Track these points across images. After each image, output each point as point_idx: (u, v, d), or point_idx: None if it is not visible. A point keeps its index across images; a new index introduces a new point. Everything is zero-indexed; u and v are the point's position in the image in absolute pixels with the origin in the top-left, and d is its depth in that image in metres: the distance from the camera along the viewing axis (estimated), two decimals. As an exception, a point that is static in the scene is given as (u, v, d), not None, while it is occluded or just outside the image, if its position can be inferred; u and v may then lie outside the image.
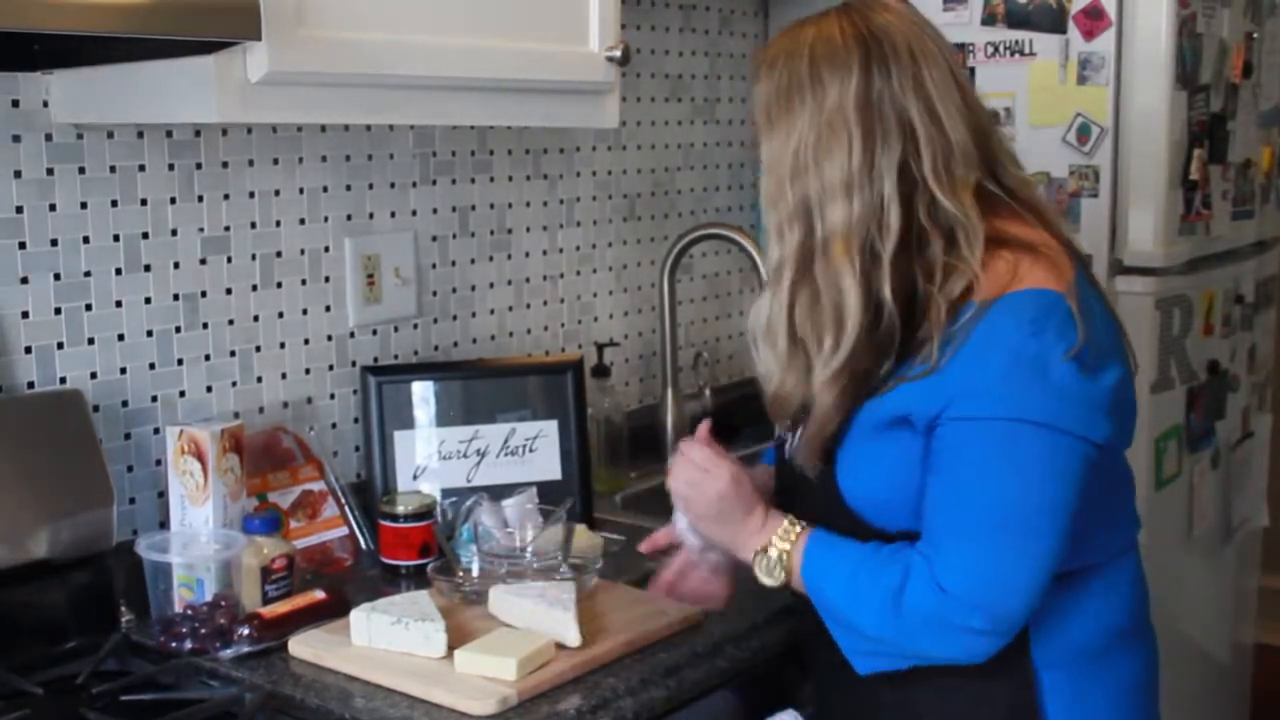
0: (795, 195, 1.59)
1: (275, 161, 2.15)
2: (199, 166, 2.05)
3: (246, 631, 1.77)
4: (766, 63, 1.64)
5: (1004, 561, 1.52)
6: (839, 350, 1.58)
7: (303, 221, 2.20)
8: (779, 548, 1.64)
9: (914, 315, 1.58)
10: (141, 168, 1.98)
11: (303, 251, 2.20)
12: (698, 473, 1.70)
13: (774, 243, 1.63)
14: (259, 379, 2.16)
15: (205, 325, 2.08)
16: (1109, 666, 1.69)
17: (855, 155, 1.56)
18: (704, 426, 1.75)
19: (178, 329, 2.05)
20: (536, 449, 2.27)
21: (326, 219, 2.23)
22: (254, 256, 2.13)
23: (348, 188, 2.26)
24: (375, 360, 2.32)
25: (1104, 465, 1.59)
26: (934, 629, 1.54)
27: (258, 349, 2.16)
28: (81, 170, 1.92)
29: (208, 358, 2.09)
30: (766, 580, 1.64)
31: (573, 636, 1.73)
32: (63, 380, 1.93)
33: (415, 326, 2.39)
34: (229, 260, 2.10)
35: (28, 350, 1.89)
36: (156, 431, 2.03)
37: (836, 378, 1.59)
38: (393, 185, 2.32)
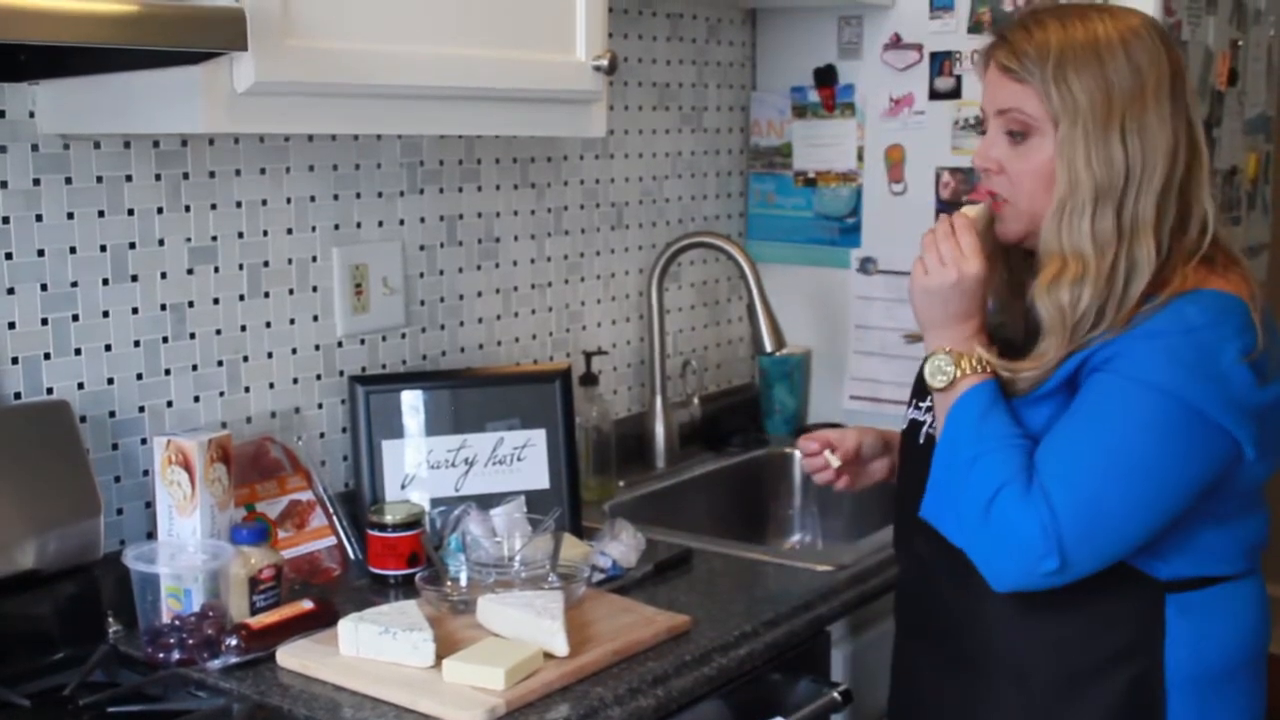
0: (1122, 167, 1.61)
1: (262, 171, 2.15)
2: (186, 176, 2.05)
3: (234, 642, 1.77)
4: (1058, 34, 1.64)
5: (1101, 513, 1.57)
6: (1113, 327, 1.61)
7: (290, 231, 2.20)
8: (946, 361, 1.67)
9: None
10: (128, 178, 1.98)
11: (290, 261, 2.20)
12: (952, 252, 1.69)
13: (1085, 212, 1.62)
14: (246, 389, 2.16)
15: (192, 335, 2.08)
16: (1229, 700, 1.70)
17: (1171, 142, 1.62)
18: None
19: (165, 339, 2.05)
20: (525, 458, 2.27)
21: (314, 229, 2.23)
22: (241, 266, 2.13)
23: (335, 197, 2.26)
24: (363, 370, 2.32)
25: (1244, 479, 1.63)
26: (1011, 551, 1.58)
27: (245, 359, 2.15)
28: (68, 180, 1.92)
29: (195, 368, 2.09)
30: (929, 380, 1.69)
31: (561, 646, 1.73)
32: (49, 391, 1.92)
33: (403, 336, 2.39)
34: (216, 270, 2.10)
35: (14, 361, 1.88)
36: (144, 442, 2.02)
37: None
38: (380, 195, 2.32)
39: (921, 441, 1.78)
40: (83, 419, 1.94)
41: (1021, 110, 1.66)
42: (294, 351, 2.22)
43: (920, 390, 1.81)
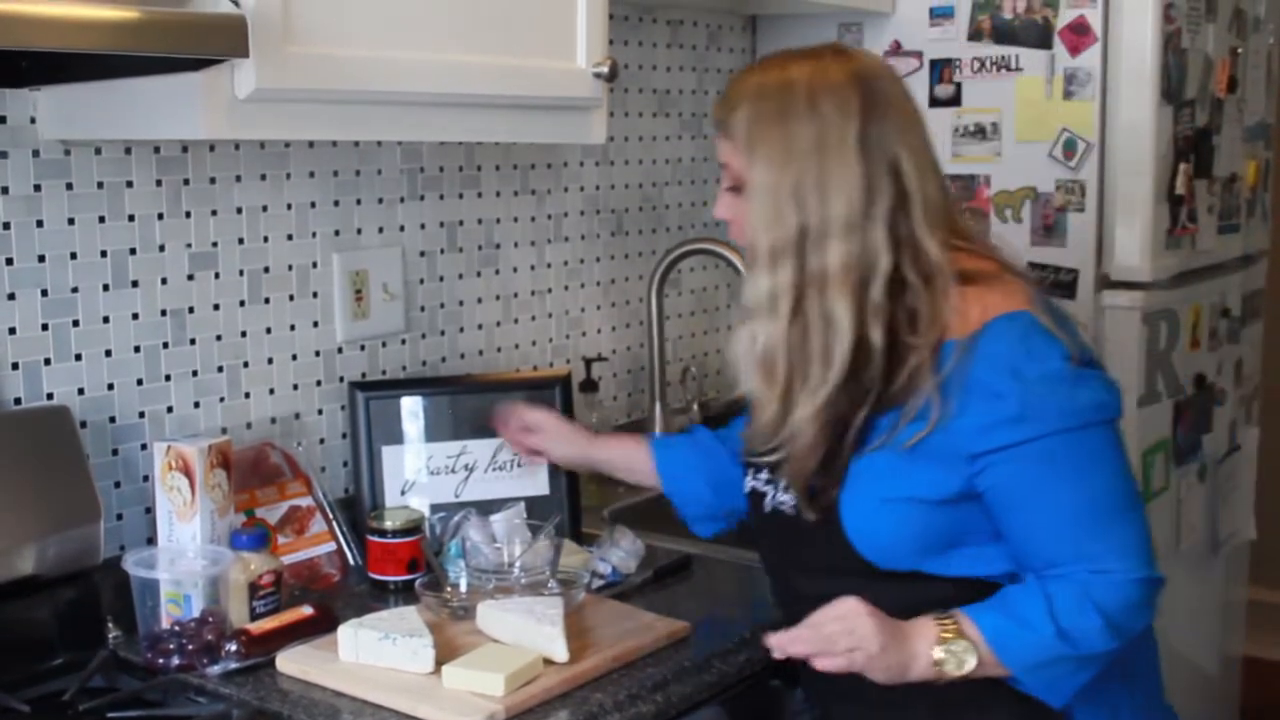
0: (795, 224, 1.62)
1: (263, 177, 2.15)
2: (186, 182, 2.05)
3: (234, 648, 1.77)
4: (755, 87, 1.66)
5: (1143, 526, 1.63)
6: (824, 386, 1.62)
7: (290, 237, 2.20)
8: (954, 639, 1.59)
9: (890, 364, 1.62)
10: (129, 184, 1.99)
11: (290, 267, 2.20)
12: (842, 627, 1.59)
13: (764, 269, 1.64)
14: (247, 395, 2.16)
15: (193, 341, 2.08)
16: (1133, 672, 1.73)
17: (857, 194, 1.60)
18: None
19: (165, 345, 2.05)
20: (524, 464, 2.26)
21: (314, 235, 2.23)
22: (242, 272, 2.14)
23: (335, 203, 2.26)
24: (363, 376, 2.32)
25: None
26: (1144, 610, 1.64)
27: (245, 365, 2.15)
28: (69, 186, 1.92)
29: (195, 373, 2.09)
30: (959, 671, 1.58)
31: (560, 652, 1.73)
32: (50, 396, 1.92)
33: (403, 342, 2.39)
34: (216, 276, 2.10)
35: (14, 366, 1.89)
36: (144, 447, 2.02)
37: (817, 415, 1.63)
38: (380, 201, 2.33)
39: (768, 511, 1.77)
40: (83, 424, 1.94)
41: (728, 165, 1.69)
42: (294, 357, 2.22)
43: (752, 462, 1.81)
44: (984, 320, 1.60)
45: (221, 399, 2.13)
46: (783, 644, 1.60)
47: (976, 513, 1.63)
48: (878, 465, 1.63)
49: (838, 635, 1.58)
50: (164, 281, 2.04)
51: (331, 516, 2.16)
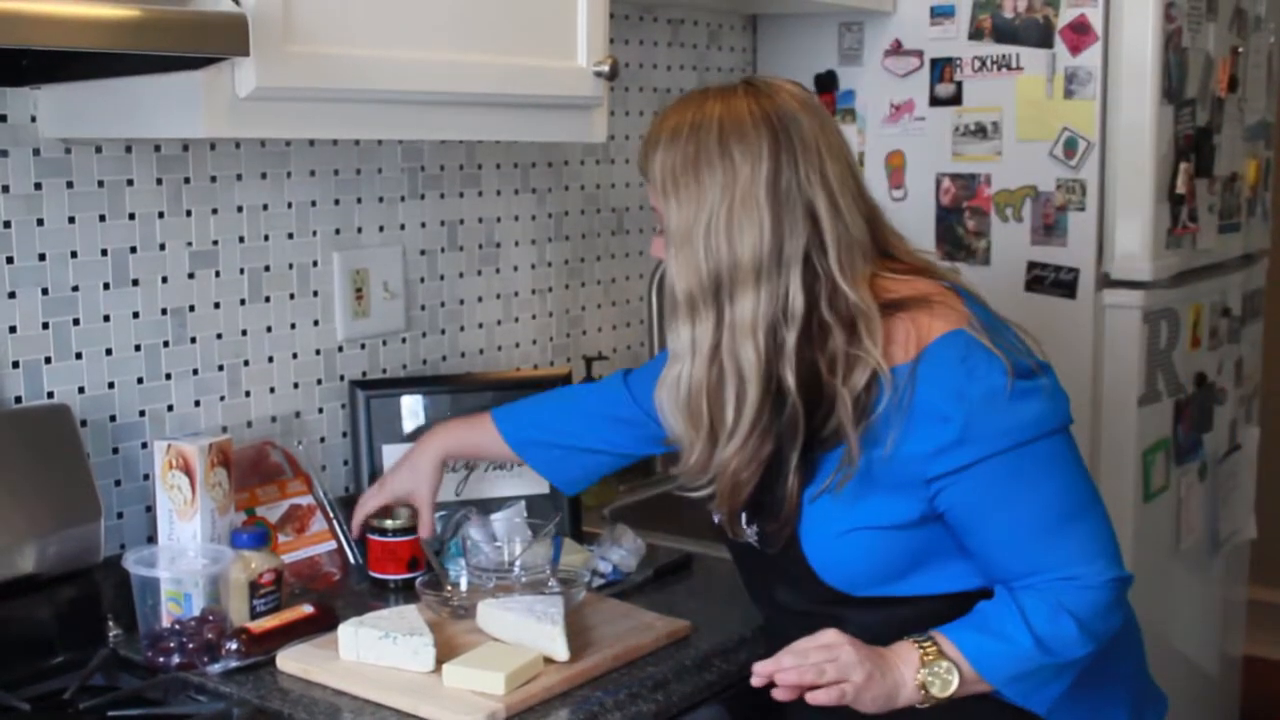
0: (707, 271, 1.60)
1: (263, 176, 2.15)
2: (187, 181, 2.05)
3: (234, 646, 1.77)
4: (670, 130, 1.64)
5: (1103, 528, 1.64)
6: (740, 430, 1.62)
7: (291, 236, 2.20)
8: (935, 660, 1.58)
9: (819, 407, 1.61)
10: (130, 182, 1.99)
11: (291, 266, 2.20)
12: (826, 656, 1.57)
13: (684, 316, 1.62)
14: (247, 393, 2.16)
15: (193, 340, 2.08)
16: (1108, 664, 1.73)
17: (766, 239, 1.58)
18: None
19: (166, 343, 2.05)
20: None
21: (315, 233, 2.23)
22: (242, 271, 2.14)
23: (336, 202, 2.26)
24: (364, 374, 2.32)
25: None
26: (1115, 610, 1.64)
27: (246, 363, 2.16)
28: (69, 185, 1.92)
29: (196, 372, 2.09)
30: (944, 693, 1.58)
31: (561, 651, 1.74)
32: (50, 395, 1.92)
33: (404, 340, 2.39)
34: (217, 274, 2.10)
35: (15, 365, 1.89)
36: (144, 446, 2.02)
37: (740, 455, 1.63)
38: (381, 199, 2.33)
39: (740, 542, 1.76)
40: (83, 423, 1.94)
41: (656, 208, 1.67)
42: (294, 356, 2.22)
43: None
44: (921, 345, 1.58)
45: (222, 397, 2.13)
46: (769, 672, 1.58)
47: (941, 531, 1.63)
48: (833, 500, 1.62)
49: (824, 663, 1.57)
50: (164, 280, 2.04)
51: (332, 515, 2.16)
